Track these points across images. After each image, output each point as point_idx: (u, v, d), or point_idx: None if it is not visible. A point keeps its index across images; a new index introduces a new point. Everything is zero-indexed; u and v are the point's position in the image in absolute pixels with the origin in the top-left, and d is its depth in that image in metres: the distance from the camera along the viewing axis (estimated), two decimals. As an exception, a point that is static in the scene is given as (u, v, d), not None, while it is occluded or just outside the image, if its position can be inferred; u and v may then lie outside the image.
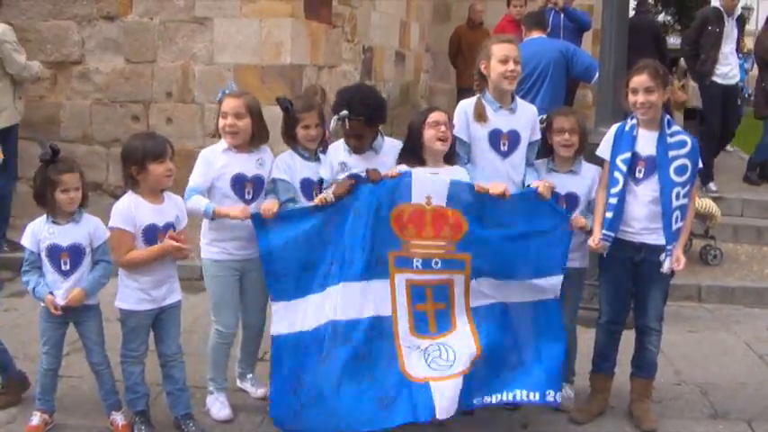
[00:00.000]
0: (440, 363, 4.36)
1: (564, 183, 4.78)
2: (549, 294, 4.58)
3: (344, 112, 4.55)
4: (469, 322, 4.46)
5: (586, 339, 4.95)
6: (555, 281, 4.58)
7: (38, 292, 4.25)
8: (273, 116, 4.99)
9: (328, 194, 4.50)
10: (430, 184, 4.47)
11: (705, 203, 7.82)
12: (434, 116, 4.60)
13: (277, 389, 4.47)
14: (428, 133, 4.56)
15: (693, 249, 8.07)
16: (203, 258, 4.71)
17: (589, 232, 4.69)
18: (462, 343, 4.40)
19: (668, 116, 4.61)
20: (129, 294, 4.34)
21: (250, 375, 5.03)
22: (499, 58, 4.68)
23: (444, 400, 4.24)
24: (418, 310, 4.44)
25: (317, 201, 4.53)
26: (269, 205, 4.52)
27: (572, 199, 4.77)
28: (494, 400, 4.46)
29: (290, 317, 4.50)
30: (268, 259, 4.50)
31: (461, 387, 4.28)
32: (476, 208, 4.48)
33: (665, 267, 4.54)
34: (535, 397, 4.45)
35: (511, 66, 4.66)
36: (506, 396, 4.46)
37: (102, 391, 4.49)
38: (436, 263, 4.45)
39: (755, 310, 7.17)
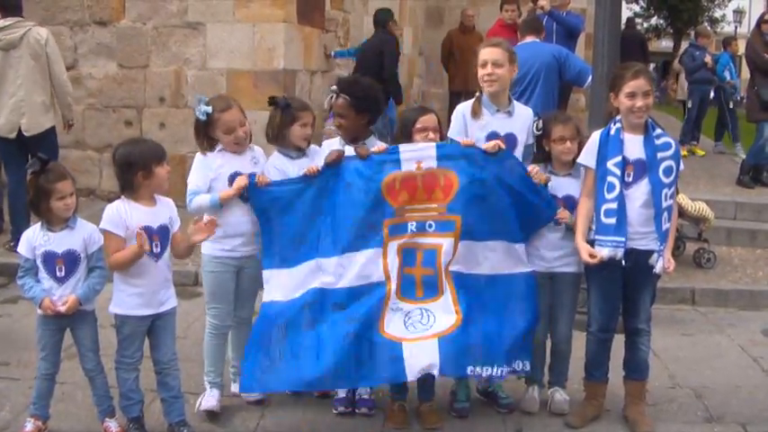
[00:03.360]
0: (417, 326, 4.47)
1: (562, 186, 4.80)
2: (528, 266, 4.71)
3: (334, 87, 4.82)
4: (450, 288, 4.53)
5: (581, 343, 4.93)
6: (520, 250, 4.71)
7: (34, 293, 4.22)
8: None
9: (316, 165, 4.63)
10: (417, 150, 4.59)
11: (698, 207, 7.83)
12: (422, 121, 4.69)
13: (253, 344, 4.60)
14: (415, 138, 4.66)
15: (687, 253, 8.10)
16: (203, 253, 4.76)
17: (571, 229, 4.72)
18: (444, 310, 4.50)
19: (650, 120, 4.62)
20: (124, 300, 4.32)
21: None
22: (480, 63, 4.78)
23: (414, 361, 4.37)
24: (406, 273, 4.52)
25: (305, 171, 4.64)
26: (262, 177, 4.64)
27: (569, 201, 4.79)
28: (483, 373, 4.53)
29: (280, 285, 4.62)
30: (265, 222, 4.62)
31: (438, 351, 4.38)
32: (467, 164, 4.58)
33: (658, 268, 4.54)
34: (503, 372, 4.57)
35: (488, 69, 4.72)
36: (495, 371, 4.53)
37: (95, 397, 4.47)
38: (430, 225, 4.57)
39: (749, 312, 7.18)
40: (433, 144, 4.60)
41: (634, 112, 4.52)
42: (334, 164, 4.60)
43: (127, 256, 4.23)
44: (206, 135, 4.69)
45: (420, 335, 4.45)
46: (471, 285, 4.59)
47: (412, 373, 4.40)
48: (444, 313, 4.49)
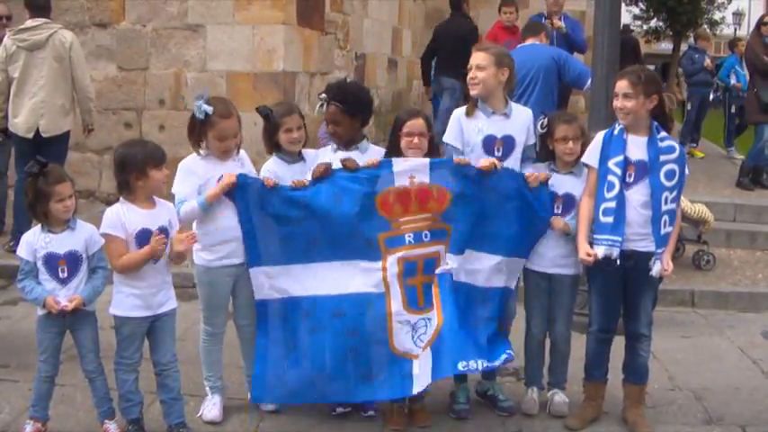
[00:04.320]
0: (423, 339, 4.53)
1: (563, 183, 4.82)
2: (510, 281, 4.82)
3: (323, 95, 4.81)
4: (435, 290, 4.56)
5: (580, 345, 4.94)
6: (518, 265, 4.83)
7: (37, 294, 4.22)
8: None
9: (303, 179, 4.65)
10: (410, 165, 4.61)
11: (698, 209, 7.83)
12: (409, 126, 4.71)
13: (261, 354, 4.66)
14: (402, 142, 4.70)
15: (686, 255, 8.10)
16: (196, 264, 4.72)
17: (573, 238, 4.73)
18: (434, 316, 4.54)
19: (655, 123, 4.62)
20: (123, 301, 4.32)
21: None
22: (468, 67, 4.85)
23: (421, 375, 4.50)
24: (409, 285, 4.56)
25: (293, 183, 4.65)
26: (270, 181, 4.61)
27: (568, 199, 4.80)
28: (478, 366, 4.57)
29: (272, 283, 4.64)
30: (247, 222, 4.60)
31: (431, 359, 4.49)
32: (459, 181, 4.60)
33: (655, 271, 4.55)
34: (483, 365, 4.61)
35: (471, 74, 4.80)
36: (485, 364, 4.61)
37: (95, 398, 4.47)
38: (426, 235, 4.60)
39: (749, 314, 7.19)
40: (427, 160, 4.62)
41: (617, 112, 4.58)
42: (322, 177, 4.61)
43: (143, 256, 4.24)
44: (200, 134, 4.61)
45: (423, 346, 4.52)
46: (454, 290, 4.62)
47: (417, 388, 4.52)
48: (434, 318, 4.53)
